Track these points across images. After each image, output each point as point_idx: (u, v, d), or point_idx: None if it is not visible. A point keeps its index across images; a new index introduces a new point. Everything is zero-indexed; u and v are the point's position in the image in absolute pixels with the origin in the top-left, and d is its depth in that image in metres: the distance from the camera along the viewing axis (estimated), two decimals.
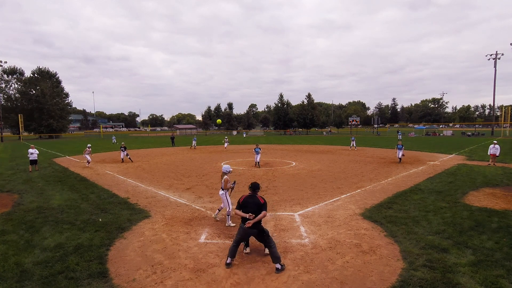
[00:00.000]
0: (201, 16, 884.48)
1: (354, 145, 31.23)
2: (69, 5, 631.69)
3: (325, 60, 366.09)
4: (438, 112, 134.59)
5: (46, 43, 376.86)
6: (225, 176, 8.05)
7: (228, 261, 5.66)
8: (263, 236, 5.72)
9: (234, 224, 7.90)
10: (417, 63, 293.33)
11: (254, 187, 6.00)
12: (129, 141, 54.08)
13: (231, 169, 8.25)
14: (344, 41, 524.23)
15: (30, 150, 17.72)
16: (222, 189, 8.07)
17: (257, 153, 18.54)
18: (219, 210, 8.47)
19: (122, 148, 22.60)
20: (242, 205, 5.80)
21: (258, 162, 18.63)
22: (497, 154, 18.28)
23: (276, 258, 5.50)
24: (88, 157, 20.00)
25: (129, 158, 22.28)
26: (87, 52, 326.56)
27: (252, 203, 5.77)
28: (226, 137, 37.77)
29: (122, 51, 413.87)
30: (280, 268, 5.46)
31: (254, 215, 5.63)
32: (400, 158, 20.48)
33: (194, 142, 35.08)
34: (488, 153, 18.59)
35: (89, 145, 21.33)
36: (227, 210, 8.02)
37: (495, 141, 18.92)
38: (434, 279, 5.03)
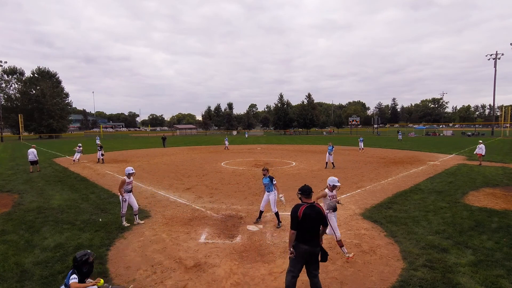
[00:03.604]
0: (202, 16, 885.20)
1: (362, 146, 29.14)
2: (71, 5, 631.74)
3: (326, 60, 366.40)
4: (438, 112, 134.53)
5: (47, 43, 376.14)
6: (123, 177, 8.02)
7: None
8: (321, 259, 4.44)
9: (128, 224, 7.90)
10: (418, 63, 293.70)
11: (308, 191, 4.47)
12: (129, 141, 54.09)
13: (131, 171, 8.11)
14: (345, 41, 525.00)
15: (29, 151, 17.73)
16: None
17: (269, 189, 8.03)
18: (136, 215, 8.27)
19: (98, 148, 22.46)
20: (302, 220, 4.22)
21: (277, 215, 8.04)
22: (483, 153, 18.62)
23: None
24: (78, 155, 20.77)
25: (102, 158, 21.92)
26: (88, 52, 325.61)
27: (315, 216, 4.30)
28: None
29: (123, 51, 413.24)
30: None
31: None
32: (326, 163, 18.00)
33: (226, 142, 33.99)
34: (475, 152, 18.88)
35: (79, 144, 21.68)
36: (121, 211, 8.00)
37: (480, 141, 19.46)
38: (434, 279, 5.03)
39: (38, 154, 18.12)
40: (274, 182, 7.98)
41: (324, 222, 4.49)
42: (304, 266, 4.39)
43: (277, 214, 7.92)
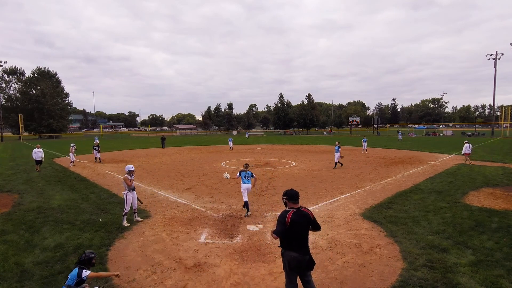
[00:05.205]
0: (202, 16, 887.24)
1: (365, 147, 28.24)
2: (71, 5, 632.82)
3: (326, 60, 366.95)
4: (438, 112, 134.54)
5: (47, 43, 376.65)
6: (125, 175, 8.12)
7: None
8: (311, 266, 4.21)
9: (128, 224, 7.94)
10: (418, 63, 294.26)
11: (296, 196, 4.22)
12: (129, 141, 54.09)
13: (131, 169, 8.19)
14: (345, 41, 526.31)
15: (34, 150, 17.91)
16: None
17: (248, 181, 9.07)
18: (135, 213, 8.42)
19: (95, 147, 22.37)
20: (291, 226, 4.01)
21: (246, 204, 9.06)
22: (469, 152, 18.91)
23: None
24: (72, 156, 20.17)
25: (99, 158, 21.96)
26: (88, 52, 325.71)
27: (303, 221, 4.10)
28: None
29: (123, 51, 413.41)
30: None
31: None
32: (336, 163, 18.14)
33: (230, 143, 33.12)
34: (463, 152, 19.05)
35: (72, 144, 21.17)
36: (124, 210, 8.05)
37: (466, 141, 19.69)
38: (434, 279, 5.03)
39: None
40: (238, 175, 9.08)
41: (314, 226, 4.23)
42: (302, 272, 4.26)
43: (246, 203, 8.88)
